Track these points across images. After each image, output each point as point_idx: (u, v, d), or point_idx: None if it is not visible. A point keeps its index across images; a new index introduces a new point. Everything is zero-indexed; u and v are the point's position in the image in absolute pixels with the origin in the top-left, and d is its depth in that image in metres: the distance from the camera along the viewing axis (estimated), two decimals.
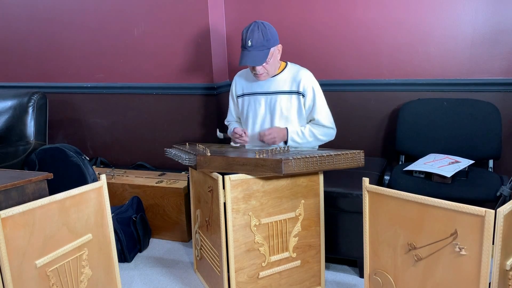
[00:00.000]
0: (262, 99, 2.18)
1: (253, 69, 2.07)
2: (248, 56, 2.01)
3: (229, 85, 2.87)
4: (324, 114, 2.14)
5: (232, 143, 2.29)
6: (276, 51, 2.06)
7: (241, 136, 2.14)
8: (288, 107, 2.14)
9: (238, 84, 2.28)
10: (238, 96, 2.28)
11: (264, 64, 2.03)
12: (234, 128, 2.18)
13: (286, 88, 2.14)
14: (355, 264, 2.22)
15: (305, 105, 2.14)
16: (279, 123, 2.15)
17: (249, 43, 2.00)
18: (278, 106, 2.14)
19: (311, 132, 2.13)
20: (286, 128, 2.12)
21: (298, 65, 2.21)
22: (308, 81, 2.12)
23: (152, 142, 3.00)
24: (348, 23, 2.53)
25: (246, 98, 2.24)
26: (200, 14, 2.63)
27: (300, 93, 2.13)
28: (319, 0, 2.55)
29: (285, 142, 2.13)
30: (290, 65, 2.19)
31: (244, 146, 2.21)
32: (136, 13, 2.78)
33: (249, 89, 2.23)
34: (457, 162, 2.15)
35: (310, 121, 2.18)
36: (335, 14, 2.54)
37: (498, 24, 2.29)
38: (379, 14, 2.46)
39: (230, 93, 2.33)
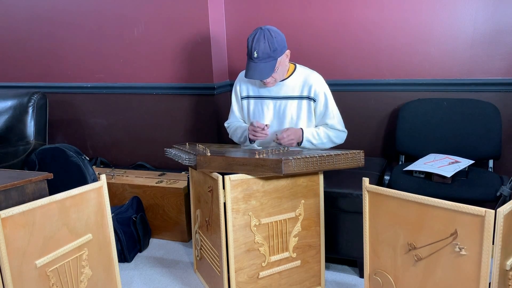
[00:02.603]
0: (271, 104, 2.13)
1: None
2: (254, 69, 1.94)
3: (229, 85, 2.88)
4: (336, 119, 2.12)
5: (246, 143, 2.20)
6: (283, 57, 2.00)
7: (263, 129, 2.03)
8: (299, 112, 2.10)
9: (243, 85, 2.21)
10: (242, 98, 2.21)
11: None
12: (254, 122, 2.06)
13: (296, 93, 2.09)
14: (355, 264, 2.22)
15: (316, 110, 2.10)
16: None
17: (255, 54, 1.92)
18: (289, 112, 2.09)
19: (326, 134, 2.10)
20: (301, 129, 2.07)
21: (307, 68, 2.16)
22: (320, 87, 2.08)
23: (152, 142, 3.00)
24: (348, 23, 2.53)
25: (252, 101, 2.18)
26: (200, 14, 2.62)
27: (311, 99, 2.08)
28: (319, 0, 2.55)
29: (299, 144, 2.08)
30: (299, 68, 2.13)
31: (244, 145, 2.21)
32: (136, 13, 2.78)
33: (255, 92, 2.17)
34: (457, 162, 2.16)
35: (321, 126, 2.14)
36: (335, 15, 2.54)
37: (498, 24, 2.29)
38: (379, 14, 2.46)
39: (233, 93, 2.26)
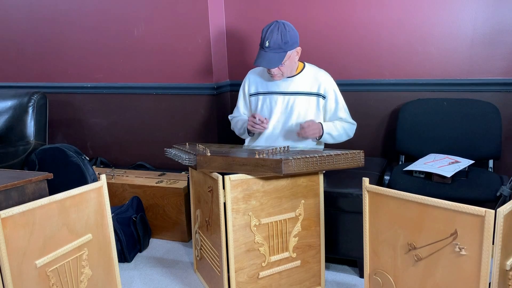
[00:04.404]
0: (279, 99, 2.17)
1: (268, 69, 2.07)
2: (263, 57, 2.00)
3: (230, 85, 2.89)
4: (347, 112, 2.20)
5: (245, 135, 2.26)
6: (294, 53, 2.05)
7: (262, 122, 2.09)
8: (306, 108, 2.14)
9: (252, 82, 2.26)
10: (251, 95, 2.26)
11: (279, 66, 2.03)
12: (254, 114, 2.11)
13: (305, 90, 2.14)
14: (355, 264, 2.22)
15: (326, 107, 2.16)
16: (294, 124, 2.15)
17: (267, 44, 1.99)
18: (296, 107, 2.14)
19: (342, 127, 2.17)
20: (320, 123, 2.12)
21: (316, 66, 2.23)
22: (329, 84, 2.15)
23: (152, 142, 3.00)
24: (348, 23, 2.53)
25: (261, 97, 2.22)
26: (200, 14, 2.62)
27: (320, 95, 2.14)
28: (320, 1, 2.55)
29: (319, 138, 2.12)
30: (308, 66, 2.20)
31: (243, 146, 2.21)
32: (136, 13, 2.78)
33: (264, 88, 2.22)
34: (457, 162, 2.15)
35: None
36: (335, 14, 2.54)
37: (498, 24, 2.29)
38: (379, 14, 2.46)
39: (241, 89, 2.32)
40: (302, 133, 2.06)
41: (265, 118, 2.12)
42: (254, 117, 2.10)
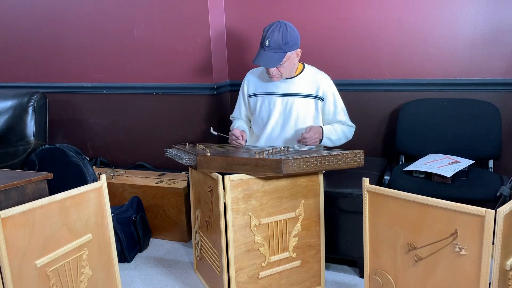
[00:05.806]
0: (278, 101, 2.16)
1: (267, 68, 2.06)
2: (262, 56, 2.00)
3: (229, 85, 2.89)
4: (346, 115, 2.19)
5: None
6: (293, 55, 2.04)
7: (237, 138, 2.12)
8: (305, 110, 2.14)
9: (251, 83, 2.25)
10: (250, 96, 2.25)
11: (278, 66, 2.02)
12: (233, 130, 2.16)
13: (304, 92, 2.13)
14: (355, 264, 2.22)
15: (325, 109, 2.15)
16: (293, 126, 2.15)
17: (267, 43, 1.98)
18: (295, 109, 2.13)
19: (341, 130, 2.16)
20: (320, 126, 2.11)
21: (315, 68, 2.22)
22: (327, 86, 2.13)
23: (152, 142, 3.00)
24: (348, 23, 2.53)
25: (259, 98, 2.22)
26: (200, 14, 2.62)
27: (319, 98, 2.13)
28: (320, 0, 2.55)
29: (320, 141, 2.10)
30: (307, 67, 2.19)
31: (243, 146, 2.21)
32: (136, 13, 2.78)
33: (263, 89, 2.20)
34: (457, 162, 2.16)
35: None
36: (335, 14, 2.54)
37: (498, 24, 2.29)
38: (379, 14, 2.46)
39: (240, 90, 2.30)
40: (303, 143, 2.04)
41: (242, 134, 2.11)
42: (233, 134, 2.12)
